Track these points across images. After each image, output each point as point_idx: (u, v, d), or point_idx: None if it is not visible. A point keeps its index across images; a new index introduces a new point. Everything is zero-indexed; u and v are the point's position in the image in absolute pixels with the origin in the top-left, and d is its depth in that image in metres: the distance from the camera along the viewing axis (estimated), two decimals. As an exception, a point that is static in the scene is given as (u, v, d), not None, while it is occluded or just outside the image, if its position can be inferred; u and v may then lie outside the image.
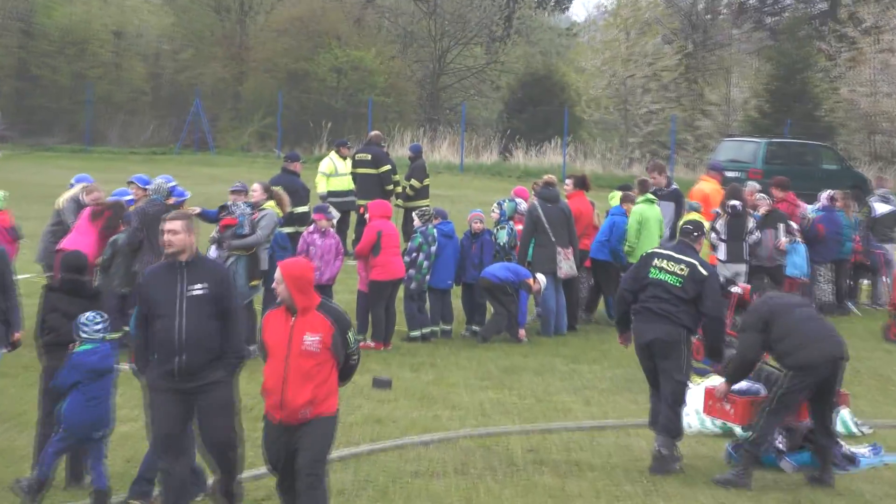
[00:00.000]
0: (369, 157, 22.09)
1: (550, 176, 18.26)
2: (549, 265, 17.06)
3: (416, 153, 23.17)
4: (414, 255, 16.43)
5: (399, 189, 22.20)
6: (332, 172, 22.30)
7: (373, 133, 23.39)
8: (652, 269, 10.96)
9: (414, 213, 17.13)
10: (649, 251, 11.32)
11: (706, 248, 17.45)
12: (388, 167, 22.10)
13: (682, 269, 10.91)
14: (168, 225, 8.67)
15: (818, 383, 10.46)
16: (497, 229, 17.34)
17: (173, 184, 15.82)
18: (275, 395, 8.07)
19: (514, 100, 48.87)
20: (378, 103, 46.73)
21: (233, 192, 16.10)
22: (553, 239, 17.06)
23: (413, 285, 16.42)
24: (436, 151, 43.85)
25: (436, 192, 28.68)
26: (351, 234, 22.30)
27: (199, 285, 8.56)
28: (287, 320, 8.13)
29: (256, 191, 15.47)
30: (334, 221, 16.93)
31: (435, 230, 16.69)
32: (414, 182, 22.36)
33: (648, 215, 17.61)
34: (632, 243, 17.34)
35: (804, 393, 10.51)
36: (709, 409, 11.13)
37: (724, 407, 11.01)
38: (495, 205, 17.85)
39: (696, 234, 11.33)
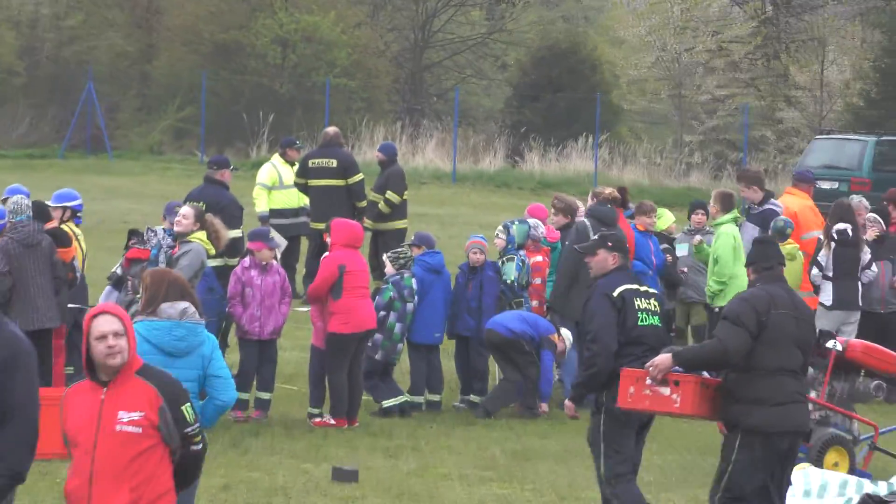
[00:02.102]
0: (335, 162, 21.96)
1: (613, 189, 18.25)
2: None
3: (390, 156, 23.11)
4: (382, 314, 16.38)
5: (363, 204, 22.00)
6: (276, 184, 22.32)
7: (331, 130, 23.33)
8: (640, 315, 11.22)
9: (385, 257, 17.08)
10: (620, 288, 11.25)
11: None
12: (361, 177, 22.06)
13: (656, 305, 11.39)
14: None
15: (777, 458, 10.51)
16: (503, 261, 17.36)
17: (77, 202, 15.89)
18: (80, 502, 7.81)
19: (525, 83, 48.99)
20: (339, 88, 46.83)
21: (168, 213, 16.12)
22: None
23: (379, 355, 16.40)
24: (419, 154, 43.90)
25: (419, 209, 28.74)
26: (302, 269, 22.30)
27: None
28: (95, 395, 7.86)
29: (187, 217, 15.31)
30: (279, 252, 16.93)
31: (413, 280, 16.63)
32: (391, 195, 22.21)
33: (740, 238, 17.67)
34: (723, 277, 17.19)
35: (760, 471, 10.48)
36: (632, 402, 10.70)
37: (661, 393, 10.61)
38: (501, 228, 17.88)
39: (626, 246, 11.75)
